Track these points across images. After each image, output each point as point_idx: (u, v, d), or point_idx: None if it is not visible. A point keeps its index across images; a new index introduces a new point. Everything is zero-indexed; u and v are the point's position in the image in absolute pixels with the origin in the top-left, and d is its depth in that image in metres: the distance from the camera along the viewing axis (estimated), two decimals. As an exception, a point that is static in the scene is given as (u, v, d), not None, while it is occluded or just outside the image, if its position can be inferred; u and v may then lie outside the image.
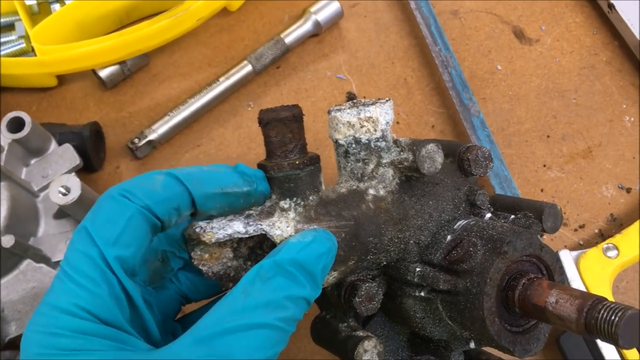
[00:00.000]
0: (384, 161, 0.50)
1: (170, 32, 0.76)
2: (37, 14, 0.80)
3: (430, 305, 0.52)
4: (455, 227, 0.52)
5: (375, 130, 0.49)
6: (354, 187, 0.50)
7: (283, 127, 0.47)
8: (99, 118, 0.79)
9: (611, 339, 0.41)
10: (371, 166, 0.50)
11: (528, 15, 0.86)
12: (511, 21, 0.86)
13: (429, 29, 0.82)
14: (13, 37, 0.79)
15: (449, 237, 0.51)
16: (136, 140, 0.76)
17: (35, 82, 0.79)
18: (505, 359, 0.59)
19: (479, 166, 0.55)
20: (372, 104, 0.49)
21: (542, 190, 0.77)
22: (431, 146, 0.48)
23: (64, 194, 0.61)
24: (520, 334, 0.49)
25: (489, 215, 0.55)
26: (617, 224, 0.76)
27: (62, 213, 0.67)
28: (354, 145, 0.50)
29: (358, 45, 0.85)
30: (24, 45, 0.77)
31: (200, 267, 0.48)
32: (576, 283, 0.66)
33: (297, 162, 0.46)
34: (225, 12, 0.85)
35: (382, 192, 0.50)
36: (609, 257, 0.68)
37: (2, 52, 0.77)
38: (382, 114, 0.49)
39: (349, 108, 0.50)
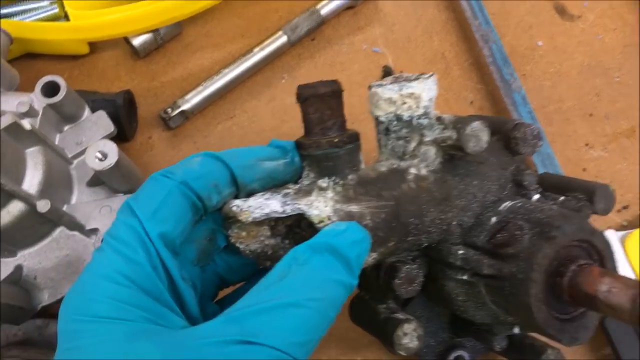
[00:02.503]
0: (427, 139, 0.48)
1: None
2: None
3: (473, 289, 0.51)
4: (500, 208, 0.50)
5: (418, 107, 0.47)
6: (395, 166, 0.48)
7: (322, 103, 0.45)
8: (130, 87, 0.78)
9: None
10: (413, 144, 0.48)
11: (571, -9, 0.84)
12: (553, -4, 0.84)
13: (469, 3, 0.80)
14: (45, 3, 0.77)
15: (493, 219, 0.49)
16: (169, 110, 0.75)
17: (66, 49, 0.78)
18: (551, 344, 0.58)
19: (527, 145, 0.53)
20: (415, 79, 0.47)
21: (584, 170, 0.75)
22: (477, 124, 0.46)
23: (101, 160, 0.60)
24: (568, 322, 0.47)
25: (536, 196, 0.53)
26: (660, 206, 0.74)
27: (95, 181, 0.66)
28: (395, 123, 0.48)
29: (395, 18, 0.83)
30: (57, 10, 0.76)
31: (238, 245, 0.47)
32: (622, 264, 0.64)
33: (336, 140, 0.45)
34: (260, -18, 0.83)
35: (424, 172, 0.48)
36: (655, 238, 0.66)
37: (35, 17, 0.76)
38: (425, 90, 0.47)
39: (390, 84, 0.48)
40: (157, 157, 0.76)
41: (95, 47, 0.80)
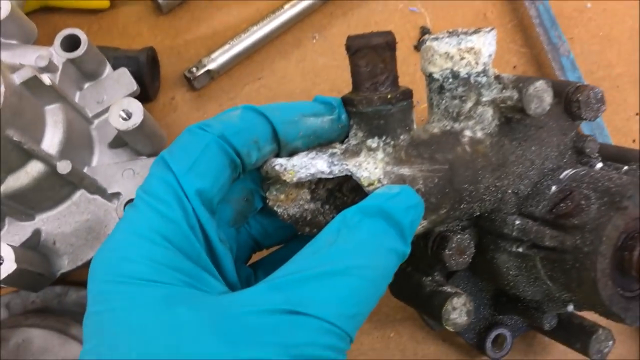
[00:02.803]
0: (484, 99, 0.44)
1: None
2: None
3: (527, 263, 0.47)
4: (561, 177, 0.47)
5: (477, 64, 0.43)
6: (448, 128, 0.45)
7: (374, 55, 0.41)
8: (153, 44, 0.74)
9: None
10: (469, 104, 0.44)
11: (623, -51, 0.78)
12: (603, -45, 0.78)
13: (515, -41, 0.74)
14: (63, -47, 0.73)
15: (553, 188, 0.46)
16: (194, 70, 0.71)
17: (86, 2, 0.73)
18: (601, 323, 0.55)
19: (589, 109, 0.48)
20: (474, 33, 0.43)
21: (633, 141, 0.70)
22: (540, 83, 0.42)
23: (125, 119, 0.56)
24: (632, 300, 0.44)
25: (600, 164, 0.49)
26: None
27: (117, 142, 0.62)
28: (450, 80, 0.44)
29: (433, -25, 0.78)
30: (75, -40, 0.72)
31: (275, 208, 0.44)
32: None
33: (388, 96, 0.41)
34: None
35: (479, 134, 0.45)
36: None
37: (52, -32, 0.71)
38: (486, 45, 0.43)
39: (447, 37, 0.43)
40: (180, 119, 0.72)
41: (115, 1, 0.75)
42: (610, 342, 0.55)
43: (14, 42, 0.62)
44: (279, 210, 0.44)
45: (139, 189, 0.38)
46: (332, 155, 0.42)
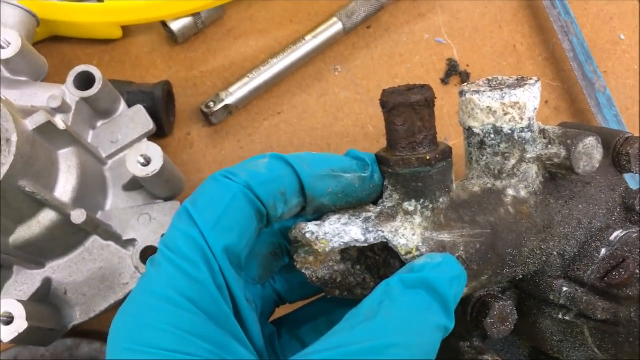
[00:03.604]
0: (529, 156, 0.41)
1: (254, -20, 0.67)
2: (101, -45, 0.70)
3: (574, 330, 0.44)
4: (611, 238, 0.44)
5: (522, 119, 0.40)
6: (489, 186, 0.41)
7: (412, 113, 0.38)
8: (167, 77, 0.70)
9: None
10: (512, 161, 0.41)
11: (655, -22, 0.75)
12: (636, -16, 0.75)
13: (546, -11, 0.71)
14: (73, -20, 0.69)
15: (603, 251, 0.43)
16: (211, 104, 0.67)
17: (97, 32, 0.70)
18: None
19: None
20: (519, 87, 0.40)
21: (672, 181, 0.67)
22: (590, 140, 0.39)
23: (144, 165, 0.52)
24: None
25: None
26: None
27: (133, 185, 0.59)
28: (492, 136, 0.41)
29: (459, 4, 0.74)
30: (87, -11, 0.68)
31: (304, 271, 0.41)
32: None
33: (427, 158, 0.38)
34: (310, -39, 0.74)
35: (523, 193, 0.41)
36: None
37: (63, -3, 0.68)
38: (531, 99, 0.40)
39: (489, 90, 0.40)
40: (197, 156, 0.68)
41: (128, 30, 0.72)
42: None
43: (23, 78, 0.59)
44: (307, 273, 0.41)
45: (161, 244, 0.35)
46: (367, 220, 0.38)
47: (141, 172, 0.52)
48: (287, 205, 0.37)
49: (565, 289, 0.43)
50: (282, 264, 0.43)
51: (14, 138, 0.46)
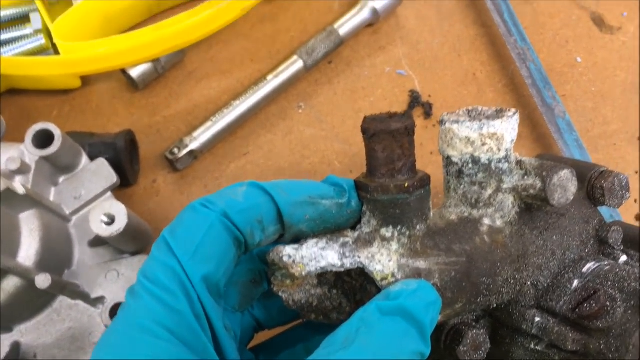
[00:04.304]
0: (505, 186, 0.42)
1: (211, 25, 0.66)
2: (55, 4, 0.69)
3: (545, 359, 0.44)
4: (584, 270, 0.44)
5: (499, 150, 0.41)
6: (466, 215, 0.42)
7: (392, 141, 0.39)
8: (129, 124, 0.70)
9: None
10: (489, 191, 0.42)
11: (607, 0, 0.77)
12: (589, 7, 0.77)
13: (502, 17, 0.72)
14: (29, 31, 0.68)
15: (575, 282, 0.43)
16: (175, 151, 0.67)
17: (56, 83, 0.69)
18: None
19: (614, 196, 0.46)
20: (497, 118, 0.41)
21: (635, 201, 0.68)
22: (565, 173, 0.40)
23: (108, 224, 0.51)
24: None
25: (624, 258, 0.46)
26: None
27: (98, 241, 0.58)
28: (470, 165, 0.42)
29: (419, 36, 0.75)
30: (43, 41, 0.67)
31: (280, 294, 0.41)
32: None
33: (406, 185, 0.38)
34: (268, 0, 0.74)
35: (499, 223, 0.42)
36: None
37: (19, 50, 0.67)
38: (509, 130, 0.41)
39: (469, 120, 0.41)
40: (164, 203, 0.67)
41: (88, 79, 0.71)
42: None
43: (-21, 139, 0.58)
44: (283, 296, 0.41)
45: (139, 274, 0.35)
46: (344, 245, 0.39)
47: (105, 231, 0.51)
48: (265, 233, 0.38)
49: (537, 319, 0.44)
50: (262, 291, 0.44)
51: (-29, 210, 0.45)
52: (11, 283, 0.51)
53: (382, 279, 0.38)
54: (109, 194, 0.60)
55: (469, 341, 0.42)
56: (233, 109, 0.69)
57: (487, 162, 0.41)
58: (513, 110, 0.42)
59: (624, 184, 0.46)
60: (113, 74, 0.70)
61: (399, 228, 0.39)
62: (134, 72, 0.69)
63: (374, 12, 0.73)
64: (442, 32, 0.75)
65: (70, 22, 0.64)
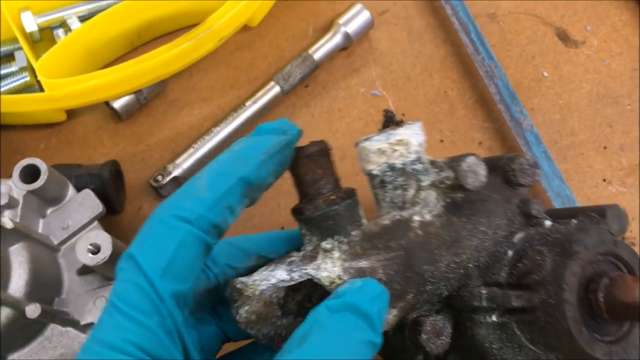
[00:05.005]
0: (424, 184, 0.47)
1: (190, 55, 0.69)
2: (39, 41, 0.72)
3: (506, 331, 0.47)
4: (515, 240, 0.48)
5: (409, 153, 0.46)
6: (397, 217, 0.46)
7: (312, 163, 0.45)
8: (115, 153, 0.72)
9: None
10: (411, 191, 0.47)
11: (571, 15, 0.80)
12: (553, 22, 0.80)
13: (469, 36, 0.75)
14: (13, 69, 0.71)
15: (510, 253, 0.48)
16: (159, 178, 0.69)
17: (42, 118, 0.71)
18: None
19: (525, 175, 0.51)
20: (401, 127, 0.47)
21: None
22: (471, 159, 0.45)
23: (94, 253, 0.54)
24: (614, 343, 0.44)
25: (549, 223, 0.50)
26: (686, 240, 0.70)
27: (86, 269, 0.60)
28: (389, 173, 0.47)
29: (391, 57, 0.78)
30: (28, 78, 0.70)
31: (249, 331, 0.43)
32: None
33: (332, 197, 0.44)
34: (245, 28, 0.77)
35: (428, 217, 0.46)
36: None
37: (4, 88, 0.69)
38: (413, 135, 0.47)
39: (376, 135, 0.47)
40: (150, 229, 0.70)
41: (73, 112, 0.74)
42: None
43: (-33, 176, 0.60)
44: (252, 332, 0.43)
45: (111, 294, 0.37)
46: (291, 263, 0.43)
47: (91, 260, 0.54)
48: (235, 214, 0.41)
49: (484, 291, 0.47)
50: (216, 300, 0.46)
51: (-39, 247, 0.47)
52: (3, 314, 0.53)
53: (330, 283, 0.41)
54: (96, 222, 0.62)
55: (428, 328, 0.45)
56: (214, 135, 0.71)
57: (402, 165, 0.46)
58: (416, 120, 0.48)
59: (531, 162, 0.52)
60: (97, 106, 0.73)
61: (336, 238, 0.43)
62: (117, 104, 0.71)
63: (347, 36, 0.76)
64: (413, 52, 0.78)
65: (53, 60, 0.67)
